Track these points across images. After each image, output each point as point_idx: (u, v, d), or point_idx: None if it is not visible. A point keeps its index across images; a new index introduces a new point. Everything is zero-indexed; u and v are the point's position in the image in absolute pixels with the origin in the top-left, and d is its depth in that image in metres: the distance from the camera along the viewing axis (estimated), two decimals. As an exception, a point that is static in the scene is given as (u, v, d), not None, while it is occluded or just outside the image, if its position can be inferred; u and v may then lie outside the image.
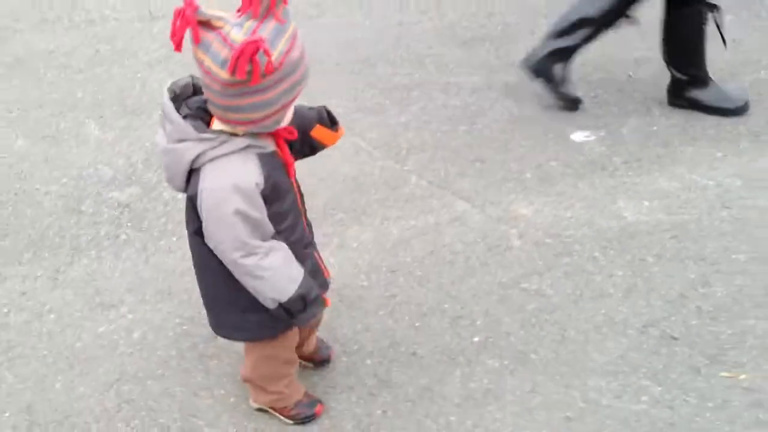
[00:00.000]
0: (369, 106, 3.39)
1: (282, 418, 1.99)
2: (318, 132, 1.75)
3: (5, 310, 2.35)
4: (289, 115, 1.59)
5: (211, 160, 1.54)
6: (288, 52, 1.46)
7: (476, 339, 2.24)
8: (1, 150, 3.13)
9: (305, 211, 1.82)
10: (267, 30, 1.43)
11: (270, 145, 1.62)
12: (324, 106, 1.78)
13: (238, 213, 1.54)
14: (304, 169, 1.80)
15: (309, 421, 2.00)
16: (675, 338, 2.20)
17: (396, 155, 3.04)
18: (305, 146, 1.78)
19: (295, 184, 1.74)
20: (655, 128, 3.16)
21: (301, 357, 2.08)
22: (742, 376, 2.08)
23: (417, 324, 2.28)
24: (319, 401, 2.05)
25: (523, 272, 2.45)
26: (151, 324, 2.28)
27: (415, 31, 4.01)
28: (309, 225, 1.86)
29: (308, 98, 1.70)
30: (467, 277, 2.44)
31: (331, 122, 1.79)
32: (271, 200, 1.63)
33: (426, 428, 1.98)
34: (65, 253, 2.56)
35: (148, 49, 3.88)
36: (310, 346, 2.10)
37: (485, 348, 2.20)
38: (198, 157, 1.54)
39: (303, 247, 1.76)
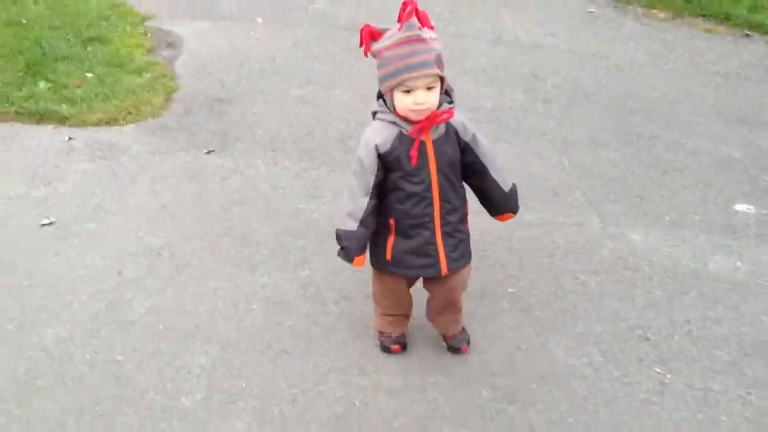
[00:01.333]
0: (596, 139, 4.19)
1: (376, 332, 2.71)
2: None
3: (229, 175, 3.80)
4: (401, 102, 2.12)
5: (374, 117, 2.27)
6: (387, 48, 2.09)
7: (511, 290, 3.05)
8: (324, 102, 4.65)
9: (445, 206, 2.29)
10: (392, 30, 2.10)
11: (412, 134, 2.18)
12: (513, 204, 2.44)
13: (359, 156, 2.23)
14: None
15: (385, 351, 2.65)
16: (648, 339, 2.78)
17: (581, 170, 3.83)
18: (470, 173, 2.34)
19: (432, 176, 2.23)
20: (823, 226, 3.44)
21: (441, 334, 2.68)
22: (669, 376, 2.62)
23: (478, 266, 3.15)
24: (401, 345, 2.64)
25: (583, 268, 3.15)
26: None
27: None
28: (445, 214, 2.30)
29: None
30: (544, 257, 3.22)
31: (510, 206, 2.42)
32: (391, 167, 2.22)
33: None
34: (316, 161, 3.94)
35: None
36: (446, 328, 2.64)
37: (509, 297, 3.00)
38: (373, 113, 2.28)
39: (411, 221, 2.28)
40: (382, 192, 2.28)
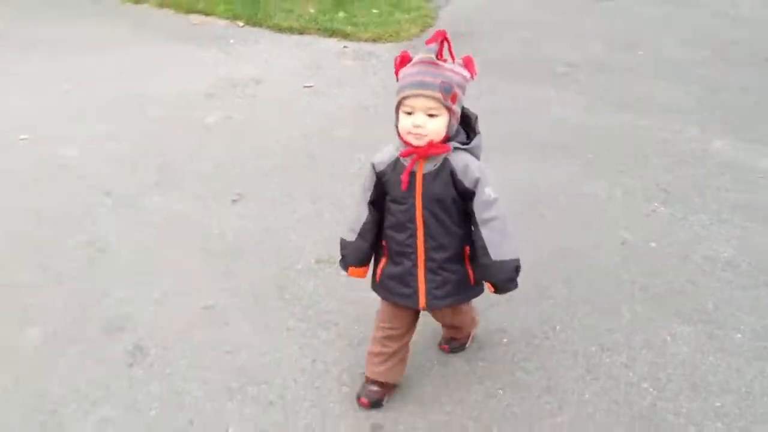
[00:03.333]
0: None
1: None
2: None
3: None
4: (402, 123, 2.07)
5: None
6: (404, 69, 2.08)
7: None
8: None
9: (429, 242, 2.16)
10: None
11: (402, 155, 2.12)
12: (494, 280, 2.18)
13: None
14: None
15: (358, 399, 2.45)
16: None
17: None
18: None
19: (417, 208, 2.13)
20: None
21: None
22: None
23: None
24: (367, 397, 2.42)
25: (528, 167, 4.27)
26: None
27: None
28: (430, 250, 2.17)
29: None
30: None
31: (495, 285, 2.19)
32: (385, 189, 2.20)
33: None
34: (506, 72, 5.39)
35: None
36: (446, 334, 2.63)
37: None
38: None
39: (396, 247, 2.21)
40: (381, 212, 2.26)
